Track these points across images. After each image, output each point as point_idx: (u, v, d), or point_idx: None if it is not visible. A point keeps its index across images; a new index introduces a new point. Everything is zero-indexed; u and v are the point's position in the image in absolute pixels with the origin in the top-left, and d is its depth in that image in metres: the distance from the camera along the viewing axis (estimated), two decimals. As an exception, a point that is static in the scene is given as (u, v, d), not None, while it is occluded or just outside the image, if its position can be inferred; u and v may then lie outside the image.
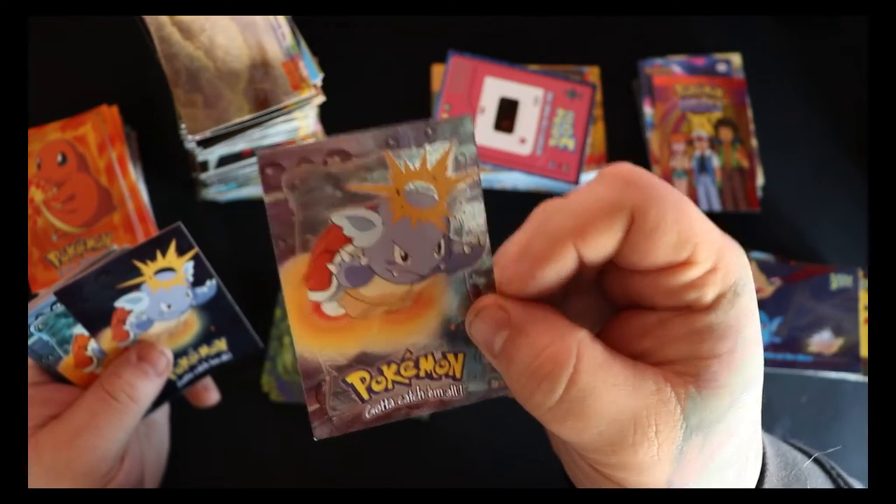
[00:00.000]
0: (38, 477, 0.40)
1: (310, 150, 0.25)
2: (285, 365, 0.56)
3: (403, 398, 0.28)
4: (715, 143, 0.64)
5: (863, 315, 0.58)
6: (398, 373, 0.28)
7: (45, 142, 0.56)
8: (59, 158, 0.55)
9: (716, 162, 0.63)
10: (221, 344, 0.47)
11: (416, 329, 0.28)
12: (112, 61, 0.64)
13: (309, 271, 0.26)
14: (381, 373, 0.28)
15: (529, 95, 0.62)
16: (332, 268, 0.26)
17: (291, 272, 0.26)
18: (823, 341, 0.58)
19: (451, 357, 0.28)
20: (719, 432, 0.25)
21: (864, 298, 0.58)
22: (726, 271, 0.25)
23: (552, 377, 0.25)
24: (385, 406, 0.28)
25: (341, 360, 0.27)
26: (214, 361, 0.48)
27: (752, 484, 0.28)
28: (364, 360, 0.27)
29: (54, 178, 0.55)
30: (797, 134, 0.66)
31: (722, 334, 0.25)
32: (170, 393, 0.47)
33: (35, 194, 0.54)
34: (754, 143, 0.64)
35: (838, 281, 0.59)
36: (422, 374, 0.28)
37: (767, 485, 0.29)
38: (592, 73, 0.66)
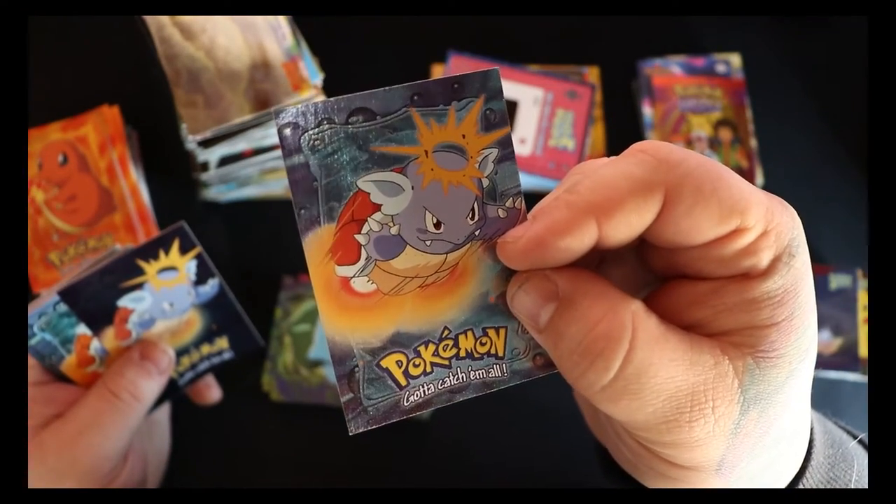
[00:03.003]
0: (42, 476, 0.40)
1: (331, 108, 0.23)
2: (286, 364, 0.56)
3: (444, 382, 0.26)
4: (714, 143, 0.64)
5: (861, 315, 0.58)
6: (437, 353, 0.26)
7: (46, 142, 0.56)
8: (60, 159, 0.55)
9: (715, 162, 0.63)
10: (223, 342, 0.47)
11: (452, 304, 0.25)
12: (113, 61, 0.64)
13: (335, 243, 0.24)
14: (419, 354, 0.25)
15: (529, 96, 0.63)
16: (360, 238, 0.24)
17: (316, 245, 0.24)
18: (822, 341, 0.58)
19: (492, 333, 0.26)
20: (776, 404, 0.24)
21: (862, 298, 0.58)
22: (779, 232, 0.24)
23: (606, 354, 0.23)
24: (424, 392, 0.26)
25: (375, 343, 0.25)
26: (216, 359, 0.48)
27: (800, 458, 0.28)
28: (399, 341, 0.25)
29: (55, 178, 0.55)
30: (796, 134, 0.66)
31: (780, 300, 0.24)
32: (172, 391, 0.47)
33: (36, 194, 0.55)
34: (753, 143, 0.64)
35: (837, 281, 0.59)
36: (462, 353, 0.26)
37: (813, 462, 0.28)
38: (592, 73, 0.66)
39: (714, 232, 0.23)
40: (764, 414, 0.24)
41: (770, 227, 0.23)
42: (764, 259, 0.24)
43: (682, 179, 0.23)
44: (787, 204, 0.25)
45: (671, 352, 0.23)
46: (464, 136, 0.24)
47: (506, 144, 0.25)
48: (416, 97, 0.24)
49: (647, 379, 0.23)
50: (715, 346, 0.24)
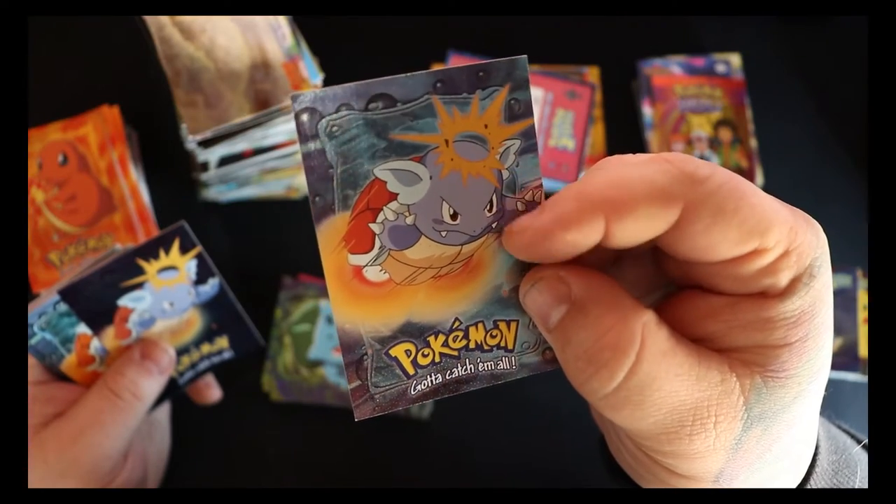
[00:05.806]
0: (43, 475, 0.40)
1: (350, 94, 0.22)
2: (286, 365, 0.56)
3: (452, 373, 0.26)
4: (714, 143, 0.64)
5: (861, 315, 0.58)
6: (446, 344, 0.26)
7: (46, 142, 0.56)
8: (60, 159, 0.55)
9: (715, 162, 0.63)
10: (223, 342, 0.47)
11: (465, 295, 0.25)
12: (113, 61, 0.64)
13: (349, 231, 0.24)
14: (428, 345, 0.25)
15: (529, 96, 0.63)
16: (374, 227, 0.24)
17: (329, 233, 0.23)
18: (822, 341, 0.58)
19: (502, 326, 0.26)
20: (780, 423, 0.24)
21: (862, 298, 0.58)
22: (801, 252, 0.23)
23: (611, 365, 0.23)
24: (432, 381, 0.26)
25: (385, 332, 0.25)
26: (216, 359, 0.48)
27: (803, 471, 0.27)
28: (409, 331, 0.25)
29: (55, 178, 0.55)
30: (796, 134, 0.66)
31: (795, 322, 0.23)
32: (172, 390, 0.47)
33: (36, 194, 0.54)
34: (753, 143, 0.64)
35: (837, 281, 0.59)
36: (472, 345, 0.26)
37: (818, 469, 0.28)
38: (592, 73, 0.66)
39: (732, 252, 0.23)
40: (767, 432, 0.24)
41: (792, 247, 0.23)
42: (783, 279, 0.23)
43: (703, 198, 0.22)
44: (814, 222, 0.24)
45: (678, 367, 0.23)
46: (486, 126, 0.24)
47: (529, 136, 0.24)
48: (438, 84, 0.23)
49: (651, 392, 0.23)
50: (723, 362, 0.24)
